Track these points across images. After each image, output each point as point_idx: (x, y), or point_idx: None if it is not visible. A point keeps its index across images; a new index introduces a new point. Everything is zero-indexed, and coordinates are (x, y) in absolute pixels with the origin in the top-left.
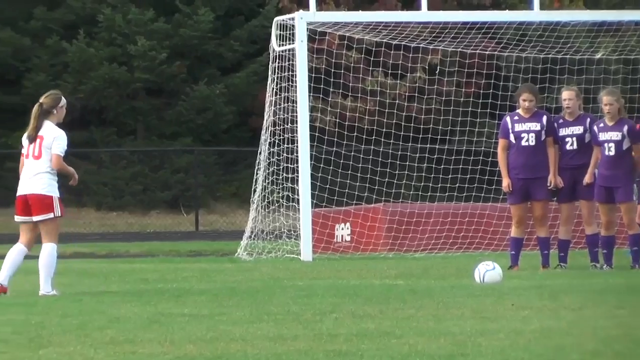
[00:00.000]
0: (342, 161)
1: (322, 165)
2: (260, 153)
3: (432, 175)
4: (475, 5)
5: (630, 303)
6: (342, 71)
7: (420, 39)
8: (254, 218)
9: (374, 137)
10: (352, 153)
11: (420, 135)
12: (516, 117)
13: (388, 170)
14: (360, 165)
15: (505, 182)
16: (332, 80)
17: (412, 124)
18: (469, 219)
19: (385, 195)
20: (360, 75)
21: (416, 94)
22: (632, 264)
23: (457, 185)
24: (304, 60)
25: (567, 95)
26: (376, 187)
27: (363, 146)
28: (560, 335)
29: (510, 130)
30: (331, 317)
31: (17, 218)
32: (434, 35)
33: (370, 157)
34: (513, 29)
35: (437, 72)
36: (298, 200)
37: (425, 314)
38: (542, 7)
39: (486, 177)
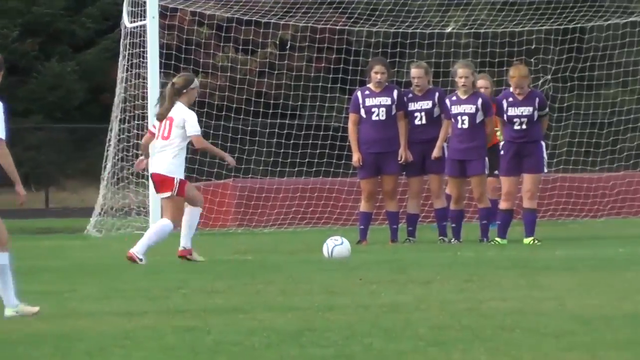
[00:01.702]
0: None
1: None
2: (111, 130)
3: (282, 151)
4: None
5: (478, 277)
6: (193, 47)
7: (272, 14)
8: (104, 195)
9: (224, 113)
10: (202, 129)
11: (271, 111)
12: (367, 92)
13: (238, 145)
14: (210, 141)
15: (356, 157)
16: (183, 56)
17: (262, 100)
18: (318, 194)
19: (235, 170)
20: (211, 51)
21: (267, 70)
22: (480, 238)
23: (307, 160)
24: (155, 37)
25: (415, 74)
26: (225, 163)
27: (213, 122)
28: (408, 310)
29: (361, 105)
30: (180, 293)
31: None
32: (285, 10)
33: (220, 132)
34: (364, 3)
35: (287, 47)
36: (147, 176)
37: (274, 289)
38: None
39: (336, 152)
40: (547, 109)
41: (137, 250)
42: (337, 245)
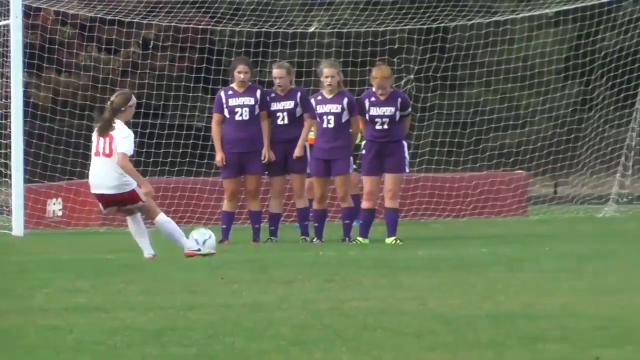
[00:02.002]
0: (55, 136)
1: (35, 141)
2: None
3: (145, 150)
4: None
5: (340, 276)
6: (57, 47)
7: (135, 13)
8: None
9: (87, 112)
10: (65, 128)
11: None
12: (230, 92)
13: None
14: (73, 140)
15: (219, 157)
16: (46, 55)
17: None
18: (180, 193)
19: None
20: (75, 51)
21: (130, 69)
22: (342, 237)
23: (170, 159)
24: (19, 36)
25: (277, 74)
26: (88, 162)
27: (76, 121)
28: (270, 309)
29: (224, 105)
30: (42, 292)
31: None
32: (148, 10)
33: (83, 132)
34: (227, 3)
35: (150, 46)
36: (10, 175)
37: (135, 288)
38: None
39: (199, 152)
40: (409, 109)
41: (187, 245)
42: (207, 239)
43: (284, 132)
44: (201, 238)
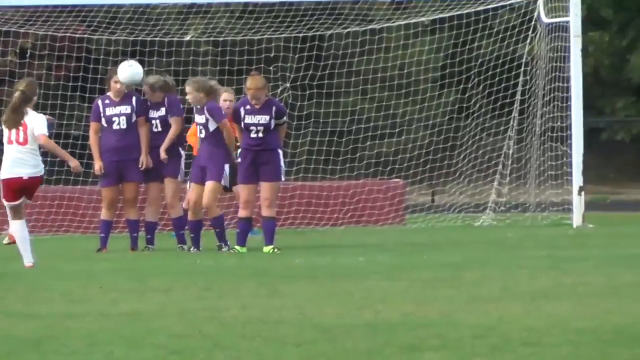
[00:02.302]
0: None
1: None
2: None
3: None
4: None
5: (218, 285)
6: None
7: (12, 22)
8: None
9: None
10: None
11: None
12: (107, 101)
13: None
14: None
15: (98, 165)
16: None
17: (2, 107)
18: (58, 202)
19: None
20: None
21: (7, 78)
22: (217, 244)
23: (47, 168)
24: None
25: (150, 81)
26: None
27: None
28: (148, 318)
29: (102, 114)
30: None
31: None
32: (25, 18)
33: None
34: (103, 11)
35: (27, 55)
36: None
37: (14, 296)
38: None
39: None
40: (284, 118)
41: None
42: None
43: (158, 139)
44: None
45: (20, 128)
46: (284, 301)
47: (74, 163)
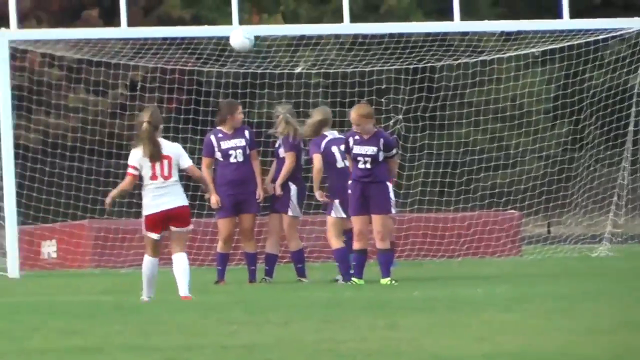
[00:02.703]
0: (46, 178)
1: (27, 183)
2: None
3: (136, 192)
4: (175, 20)
5: (336, 317)
6: (45, 88)
7: (121, 55)
8: None
9: (77, 154)
10: (57, 170)
11: (123, 152)
12: (220, 135)
13: (92, 186)
14: (64, 182)
15: (214, 199)
16: (34, 97)
17: (114, 140)
18: None
19: (90, 211)
20: (63, 92)
21: (118, 110)
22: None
23: None
24: (7, 79)
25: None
26: (81, 204)
27: (67, 163)
28: (266, 351)
29: (217, 148)
30: (40, 333)
31: None
32: (134, 51)
33: (74, 173)
34: (213, 43)
35: (138, 88)
36: (3, 217)
37: (132, 329)
38: (242, 21)
39: (190, 193)
40: (394, 151)
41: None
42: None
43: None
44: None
45: (165, 161)
46: (401, 333)
47: (214, 199)
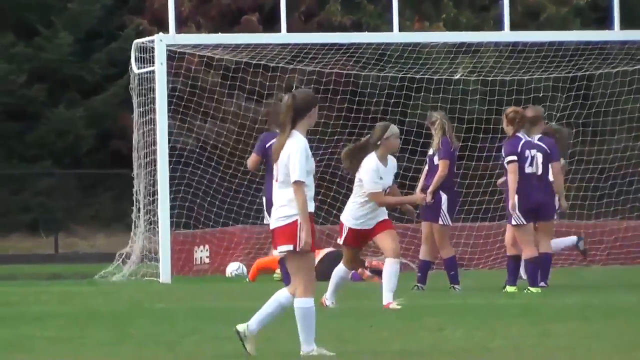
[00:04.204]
0: (202, 184)
1: (182, 188)
2: (136, 176)
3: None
4: (336, 27)
5: (489, 324)
6: (199, 92)
7: (279, 58)
8: (134, 240)
9: (236, 159)
10: (208, 176)
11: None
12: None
13: (252, 192)
14: (218, 187)
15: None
16: (193, 100)
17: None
18: None
19: (244, 216)
20: (219, 97)
21: None
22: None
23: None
24: (164, 83)
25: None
26: (235, 209)
27: (222, 168)
28: (420, 357)
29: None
30: (191, 339)
31: None
32: (292, 55)
33: (227, 179)
34: (372, 49)
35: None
36: (157, 222)
37: (286, 335)
38: (403, 28)
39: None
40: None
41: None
42: None
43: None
44: None
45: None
46: (555, 341)
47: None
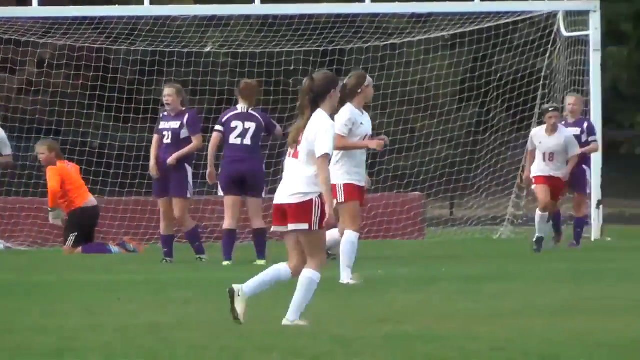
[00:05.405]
0: None
1: None
2: None
3: (35, 173)
4: (88, 1)
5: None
6: None
7: (31, 33)
8: None
9: None
10: None
11: (30, 126)
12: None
13: None
14: None
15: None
16: None
17: (18, 115)
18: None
19: None
20: None
21: (24, 87)
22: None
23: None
24: None
25: (166, 92)
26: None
27: None
28: (167, 329)
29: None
30: None
31: None
32: (44, 30)
33: None
34: (123, 23)
35: (45, 65)
36: None
37: (32, 309)
38: (154, 2)
39: (93, 169)
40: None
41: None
42: None
43: (166, 151)
44: None
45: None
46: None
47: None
